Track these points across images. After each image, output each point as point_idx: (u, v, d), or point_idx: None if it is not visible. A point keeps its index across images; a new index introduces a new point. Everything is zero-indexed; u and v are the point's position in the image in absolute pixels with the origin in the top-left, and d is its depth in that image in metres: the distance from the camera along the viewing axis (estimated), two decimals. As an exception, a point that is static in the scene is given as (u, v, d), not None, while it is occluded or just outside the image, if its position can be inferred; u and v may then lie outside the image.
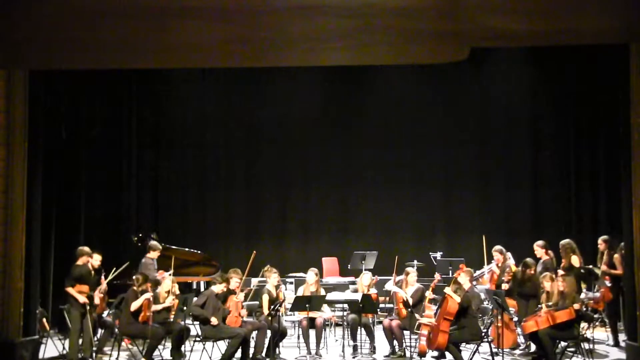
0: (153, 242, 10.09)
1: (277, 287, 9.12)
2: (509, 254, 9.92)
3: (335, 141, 13.12)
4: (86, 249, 8.95)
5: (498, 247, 9.55)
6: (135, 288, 8.40)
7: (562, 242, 9.35)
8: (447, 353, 8.19)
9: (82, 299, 8.42)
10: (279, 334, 8.67)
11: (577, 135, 12.25)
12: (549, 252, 9.36)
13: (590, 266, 9.37)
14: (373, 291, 9.09)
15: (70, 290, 8.48)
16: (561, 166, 12.57)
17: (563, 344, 8.40)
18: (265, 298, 8.83)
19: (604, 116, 11.17)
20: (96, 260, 8.90)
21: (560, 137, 12.56)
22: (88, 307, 8.47)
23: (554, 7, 6.48)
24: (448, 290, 8.02)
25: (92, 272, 8.81)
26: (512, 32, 6.51)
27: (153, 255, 9.89)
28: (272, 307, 8.55)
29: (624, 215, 8.23)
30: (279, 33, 6.35)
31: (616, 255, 9.13)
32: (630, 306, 8.10)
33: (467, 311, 7.99)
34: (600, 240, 9.37)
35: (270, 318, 8.47)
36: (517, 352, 8.88)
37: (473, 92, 12.88)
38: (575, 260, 9.05)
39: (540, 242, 9.37)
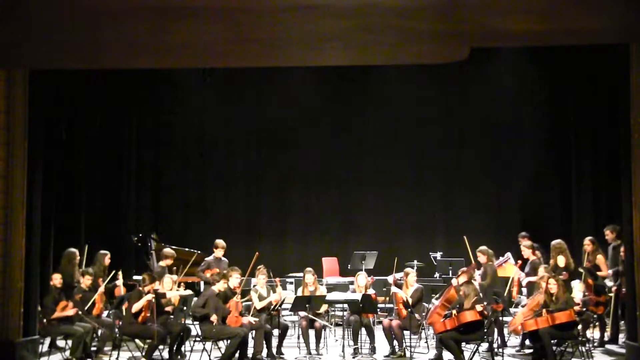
0: (217, 240, 10.10)
1: (272, 287, 9.12)
2: (508, 254, 9.90)
3: (335, 141, 13.13)
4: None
5: (482, 247, 9.50)
6: (140, 288, 8.39)
7: (553, 242, 9.32)
8: (445, 353, 8.20)
9: (70, 312, 8.42)
10: (280, 331, 8.70)
11: (577, 135, 12.24)
12: (536, 252, 9.35)
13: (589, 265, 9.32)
14: (371, 291, 9.07)
15: (56, 315, 8.45)
16: (561, 166, 12.56)
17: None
18: (254, 297, 8.85)
19: (604, 116, 11.16)
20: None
21: (561, 137, 12.54)
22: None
23: (554, 7, 6.49)
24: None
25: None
26: (512, 32, 6.53)
27: (219, 253, 9.94)
28: (269, 307, 8.59)
29: (624, 216, 8.22)
30: (279, 33, 6.35)
31: (599, 257, 9.12)
32: (630, 306, 8.09)
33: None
34: (587, 241, 9.33)
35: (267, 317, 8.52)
36: (517, 352, 8.88)
37: (473, 92, 12.87)
38: (561, 261, 9.03)
39: (527, 243, 9.34)
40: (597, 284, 8.88)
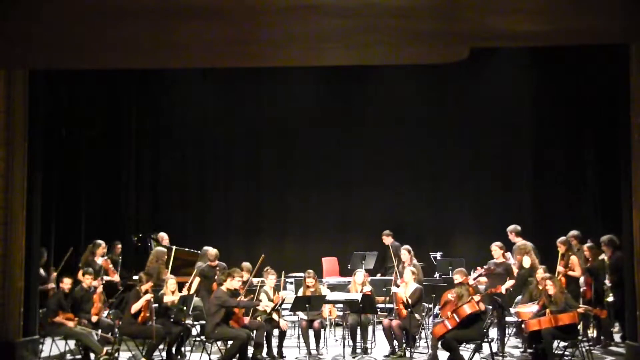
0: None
1: (276, 288, 9.12)
2: (507, 255, 9.88)
3: (335, 141, 13.13)
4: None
5: (406, 246, 9.88)
6: (137, 288, 8.39)
7: (518, 243, 9.40)
8: (441, 353, 8.19)
9: (70, 323, 8.40)
10: (280, 331, 8.70)
11: (577, 135, 12.24)
12: (506, 255, 9.36)
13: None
14: (367, 288, 9.08)
15: (57, 319, 8.43)
16: (561, 166, 12.56)
17: (562, 343, 8.40)
18: (264, 298, 8.84)
19: (604, 116, 11.16)
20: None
21: (561, 137, 12.55)
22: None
23: (554, 7, 6.49)
24: (477, 297, 8.04)
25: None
26: (512, 32, 6.52)
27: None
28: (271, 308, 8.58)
29: (624, 215, 8.23)
30: (279, 33, 6.35)
31: (573, 257, 9.12)
32: (630, 306, 8.10)
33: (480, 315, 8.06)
34: (558, 242, 9.35)
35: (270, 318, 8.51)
36: (517, 352, 8.88)
37: (473, 92, 12.87)
38: (526, 262, 9.04)
39: (498, 243, 9.33)
40: (598, 286, 8.90)
